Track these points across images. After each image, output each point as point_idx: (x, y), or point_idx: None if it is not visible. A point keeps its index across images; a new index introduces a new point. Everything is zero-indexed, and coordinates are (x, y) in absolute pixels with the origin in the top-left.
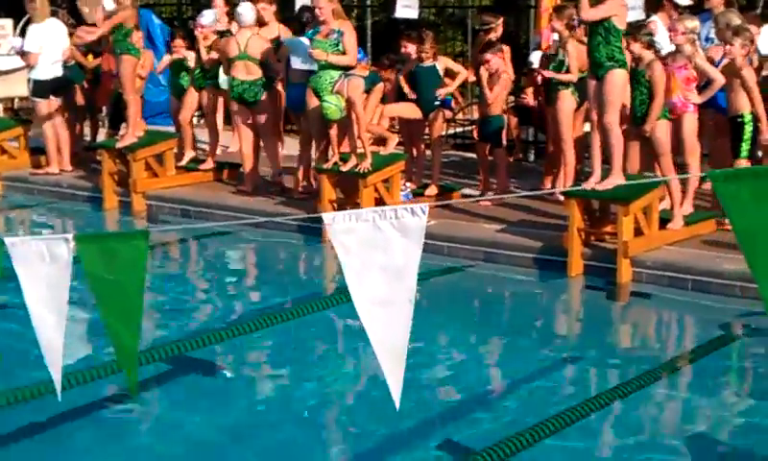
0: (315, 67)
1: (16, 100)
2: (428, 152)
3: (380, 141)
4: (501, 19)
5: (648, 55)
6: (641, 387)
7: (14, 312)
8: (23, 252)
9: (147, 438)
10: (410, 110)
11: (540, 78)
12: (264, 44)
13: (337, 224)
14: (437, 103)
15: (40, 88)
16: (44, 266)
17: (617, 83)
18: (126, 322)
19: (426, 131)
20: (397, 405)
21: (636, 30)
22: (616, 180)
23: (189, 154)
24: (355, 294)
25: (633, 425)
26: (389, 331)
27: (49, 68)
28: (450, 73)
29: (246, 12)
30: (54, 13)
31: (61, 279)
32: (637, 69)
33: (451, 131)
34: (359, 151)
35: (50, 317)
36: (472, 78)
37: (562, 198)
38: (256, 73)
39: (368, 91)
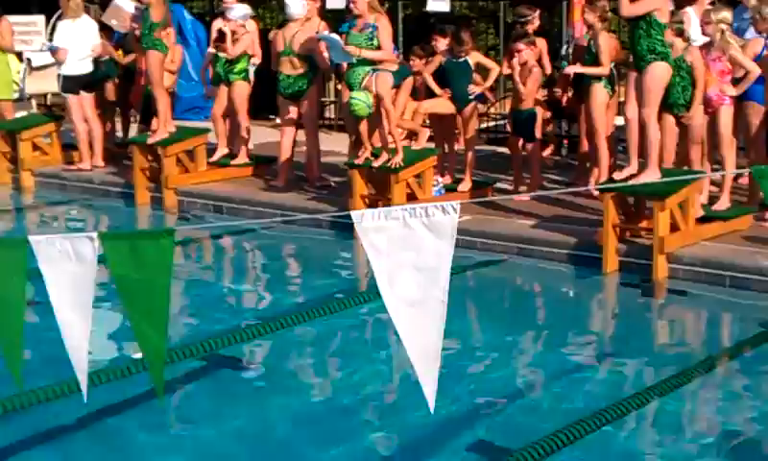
0: (354, 60)
1: (49, 96)
2: (460, 146)
3: (412, 136)
4: (537, 12)
5: (679, 42)
6: (679, 386)
7: (40, 310)
8: (48, 251)
9: (177, 436)
10: (444, 106)
11: (570, 71)
12: (310, 39)
13: (366, 222)
14: (470, 97)
15: (70, 84)
16: (69, 265)
17: (658, 75)
18: (153, 322)
19: (459, 125)
20: (432, 408)
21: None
22: (652, 175)
23: (222, 149)
24: (386, 295)
25: (670, 424)
26: (421, 333)
27: (78, 64)
28: (481, 67)
29: (293, 4)
30: (86, 10)
31: (86, 279)
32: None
33: (483, 125)
34: (390, 146)
35: (75, 317)
36: (507, 71)
37: (596, 193)
38: (301, 67)
39: (397, 86)
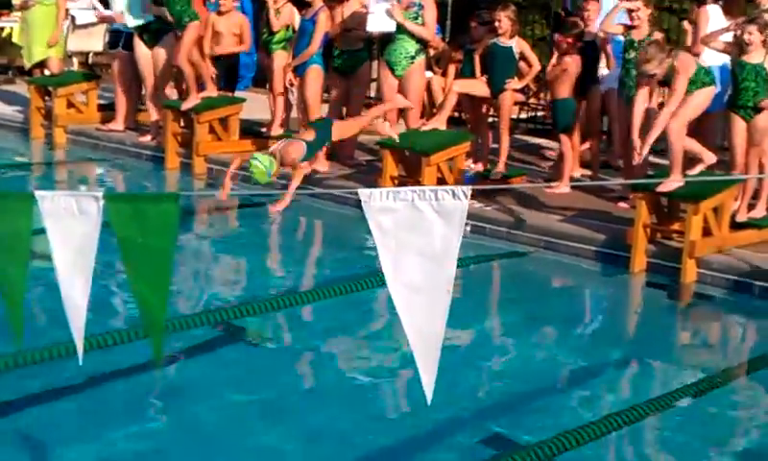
0: (393, 29)
1: (91, 55)
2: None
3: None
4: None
5: (760, 48)
6: (698, 394)
7: (43, 269)
8: (53, 207)
9: (173, 406)
10: (478, 88)
11: None
12: (361, 14)
13: (374, 201)
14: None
15: (117, 40)
16: (73, 223)
17: (703, 98)
18: (154, 287)
19: (493, 112)
20: (429, 399)
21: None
22: (675, 182)
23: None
24: (390, 278)
25: (686, 432)
26: (423, 321)
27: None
28: (525, 60)
29: None
30: None
31: (90, 238)
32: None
33: (523, 115)
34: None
35: (76, 276)
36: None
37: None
38: (357, 44)
39: (307, 159)
